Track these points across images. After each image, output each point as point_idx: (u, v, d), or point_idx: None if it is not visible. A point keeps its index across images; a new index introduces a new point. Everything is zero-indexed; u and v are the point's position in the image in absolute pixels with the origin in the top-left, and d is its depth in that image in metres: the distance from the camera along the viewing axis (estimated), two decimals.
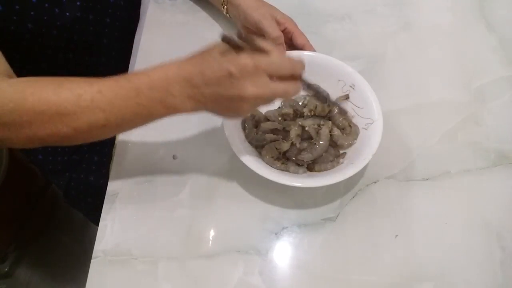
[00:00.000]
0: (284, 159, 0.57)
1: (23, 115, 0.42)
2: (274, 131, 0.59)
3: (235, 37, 0.44)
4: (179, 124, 0.63)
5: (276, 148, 0.56)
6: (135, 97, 0.43)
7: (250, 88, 0.43)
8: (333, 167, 0.56)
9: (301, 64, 0.47)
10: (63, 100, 0.42)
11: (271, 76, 0.44)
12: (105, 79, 0.44)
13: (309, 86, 0.50)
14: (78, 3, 0.58)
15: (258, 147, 0.58)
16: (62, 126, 0.43)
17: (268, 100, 0.47)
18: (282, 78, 0.45)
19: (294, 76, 0.47)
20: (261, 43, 0.45)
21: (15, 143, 0.45)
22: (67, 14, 0.57)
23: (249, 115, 0.59)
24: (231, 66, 0.42)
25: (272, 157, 0.56)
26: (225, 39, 0.44)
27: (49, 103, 0.42)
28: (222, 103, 0.45)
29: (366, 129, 0.57)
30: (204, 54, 0.44)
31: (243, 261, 0.53)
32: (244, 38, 0.44)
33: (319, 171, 0.56)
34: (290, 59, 0.46)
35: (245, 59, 0.42)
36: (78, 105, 0.42)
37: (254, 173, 0.51)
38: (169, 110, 0.45)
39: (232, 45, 0.44)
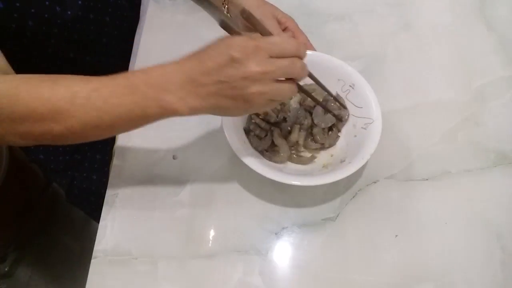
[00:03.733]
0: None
1: (15, 112, 0.41)
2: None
3: (233, 24, 0.42)
4: (179, 124, 0.63)
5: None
6: (130, 95, 0.41)
7: (255, 66, 0.40)
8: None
9: (304, 46, 0.45)
10: (57, 98, 0.41)
11: (274, 57, 0.41)
12: (102, 77, 0.43)
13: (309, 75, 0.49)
14: (79, 2, 0.59)
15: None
16: (55, 124, 0.42)
17: (277, 76, 0.42)
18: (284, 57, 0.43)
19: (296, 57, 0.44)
20: (263, 23, 0.43)
21: (8, 140, 0.44)
22: (68, 12, 0.57)
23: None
24: (231, 50, 0.40)
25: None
26: (222, 24, 0.42)
27: (42, 100, 0.41)
28: (226, 92, 0.41)
29: (365, 128, 0.57)
30: (204, 48, 0.43)
31: (243, 261, 0.53)
32: (247, 16, 0.42)
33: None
34: (293, 40, 0.44)
35: (245, 40, 0.40)
36: (73, 103, 0.41)
37: (254, 173, 0.51)
38: (165, 109, 0.42)
39: (229, 30, 0.42)
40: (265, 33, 0.42)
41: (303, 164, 0.59)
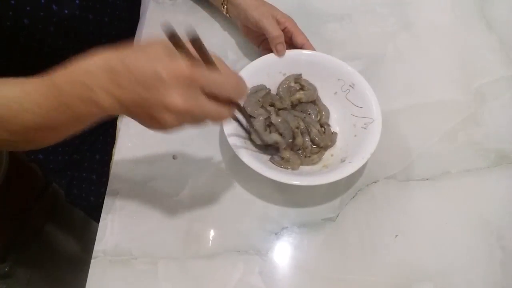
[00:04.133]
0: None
1: None
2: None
3: (179, 35, 0.38)
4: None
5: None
6: (58, 96, 0.38)
7: (177, 99, 0.36)
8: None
9: (244, 89, 0.41)
10: None
11: (206, 94, 0.38)
12: (35, 78, 0.40)
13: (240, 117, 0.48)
14: (77, 1, 0.58)
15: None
16: (1, 131, 0.40)
17: (197, 119, 0.40)
18: (216, 98, 0.39)
19: (231, 101, 0.41)
20: (211, 53, 0.39)
21: None
22: (65, 11, 0.57)
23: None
24: (162, 69, 0.36)
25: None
26: (169, 34, 0.37)
27: None
28: (143, 108, 0.38)
29: (365, 128, 0.57)
30: (140, 48, 0.38)
31: (243, 261, 0.53)
32: (193, 39, 0.38)
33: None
34: (236, 81, 0.40)
35: (181, 65, 0.36)
36: (9, 109, 0.39)
37: (254, 173, 0.51)
38: (91, 107, 0.38)
39: (175, 42, 0.38)
40: (209, 61, 0.39)
41: (314, 164, 0.59)
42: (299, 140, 0.59)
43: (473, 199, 0.58)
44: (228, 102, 0.40)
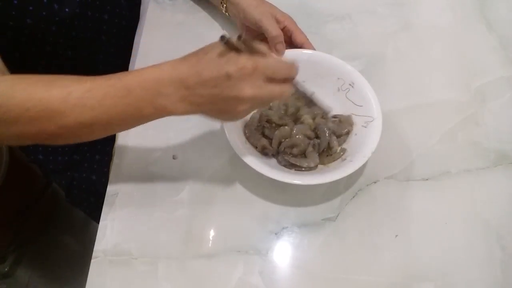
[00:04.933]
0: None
1: (10, 111, 0.41)
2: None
3: (233, 39, 0.43)
4: (179, 124, 0.63)
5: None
6: (125, 97, 0.42)
7: (248, 90, 0.42)
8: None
9: (295, 67, 0.47)
10: (51, 98, 0.41)
11: (267, 79, 0.44)
12: (96, 77, 0.43)
13: (297, 90, 0.50)
14: (77, 0, 0.59)
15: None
16: (50, 124, 0.42)
17: (265, 102, 0.47)
18: (276, 80, 0.45)
19: (287, 79, 0.47)
20: (259, 45, 0.44)
21: (3, 139, 0.45)
22: (66, 10, 0.57)
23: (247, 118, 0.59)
24: (229, 67, 0.41)
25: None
26: (224, 40, 0.43)
27: (37, 100, 0.41)
28: (218, 104, 0.44)
29: (365, 127, 0.57)
30: (200, 54, 0.43)
31: (243, 261, 0.53)
32: (243, 40, 0.44)
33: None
34: (286, 63, 0.46)
35: (244, 61, 0.42)
36: (67, 103, 0.41)
37: (254, 173, 0.51)
38: (159, 111, 0.43)
39: (230, 46, 0.43)
40: (259, 53, 0.44)
41: (334, 160, 0.58)
42: (324, 140, 0.58)
43: (473, 199, 0.58)
44: (284, 81, 0.46)
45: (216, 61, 0.42)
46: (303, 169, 0.56)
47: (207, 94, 0.42)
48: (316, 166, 0.57)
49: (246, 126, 0.59)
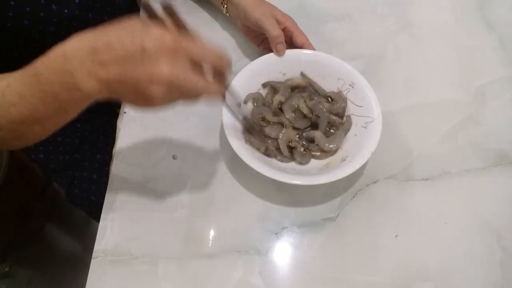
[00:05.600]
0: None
1: None
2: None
3: (156, 8, 0.37)
4: (179, 124, 0.63)
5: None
6: (37, 84, 0.37)
7: (164, 68, 0.35)
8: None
9: (227, 60, 0.41)
10: None
11: (192, 64, 0.37)
12: (18, 71, 0.39)
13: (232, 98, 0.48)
14: (76, 1, 0.58)
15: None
16: None
17: (185, 92, 0.38)
18: (204, 74, 0.39)
19: (219, 75, 0.41)
20: (188, 24, 0.38)
21: None
22: (65, 11, 0.57)
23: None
24: (145, 39, 0.35)
25: (287, 146, 0.58)
26: (146, 8, 0.37)
27: None
28: (128, 84, 0.36)
29: (365, 127, 0.57)
30: (117, 23, 0.37)
31: (243, 261, 0.53)
32: (170, 11, 0.37)
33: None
34: (217, 51, 0.40)
35: (164, 34, 0.36)
36: None
37: (254, 173, 0.51)
38: (71, 92, 0.37)
39: (152, 16, 0.37)
40: (186, 31, 0.38)
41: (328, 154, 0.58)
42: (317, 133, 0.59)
43: (473, 199, 0.58)
44: (215, 76, 0.40)
45: (132, 31, 0.35)
46: (326, 154, 0.58)
47: (116, 70, 0.36)
48: (336, 149, 0.58)
49: (244, 132, 0.59)
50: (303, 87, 0.64)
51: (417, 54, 0.73)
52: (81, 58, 0.36)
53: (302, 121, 0.60)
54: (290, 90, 0.63)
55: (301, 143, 0.58)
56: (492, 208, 0.57)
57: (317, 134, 0.58)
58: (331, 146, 0.57)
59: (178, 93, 0.38)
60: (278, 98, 0.61)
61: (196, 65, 0.38)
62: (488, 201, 0.58)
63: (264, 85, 0.63)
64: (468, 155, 0.62)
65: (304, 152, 0.58)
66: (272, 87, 0.63)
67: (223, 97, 0.49)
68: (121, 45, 0.35)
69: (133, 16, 0.37)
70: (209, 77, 0.40)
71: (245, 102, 0.61)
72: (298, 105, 0.61)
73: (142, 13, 0.36)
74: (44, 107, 0.39)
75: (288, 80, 0.64)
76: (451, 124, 0.64)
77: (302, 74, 0.64)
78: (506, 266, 0.53)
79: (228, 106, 0.53)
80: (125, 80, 0.36)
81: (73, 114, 0.41)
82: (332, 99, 0.62)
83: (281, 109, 0.61)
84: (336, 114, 0.61)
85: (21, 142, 0.44)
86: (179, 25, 0.38)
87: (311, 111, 0.60)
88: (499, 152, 0.62)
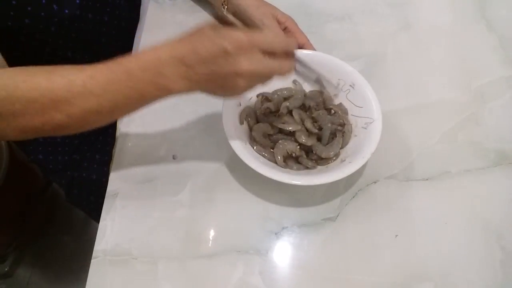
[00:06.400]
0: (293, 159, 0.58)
1: (15, 103, 0.41)
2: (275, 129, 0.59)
3: (226, 14, 0.43)
4: (179, 124, 0.63)
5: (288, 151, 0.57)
6: (126, 80, 0.42)
7: (245, 64, 0.41)
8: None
9: (293, 41, 0.46)
10: (55, 87, 0.41)
11: (265, 53, 0.43)
12: (96, 65, 0.43)
13: (301, 65, 0.51)
14: (77, 1, 0.59)
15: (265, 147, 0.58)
16: (56, 113, 0.42)
17: (264, 77, 0.45)
18: (276, 55, 0.44)
19: (288, 54, 0.46)
20: (253, 19, 0.44)
21: (9, 134, 0.44)
22: (66, 11, 0.57)
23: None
24: (225, 42, 0.41)
25: (284, 156, 0.57)
26: (216, 16, 0.42)
27: (41, 89, 0.41)
28: (216, 81, 0.43)
29: (365, 128, 0.57)
30: (196, 32, 0.43)
31: (243, 261, 0.53)
32: (236, 13, 0.43)
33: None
34: (283, 35, 0.46)
35: (239, 35, 0.41)
36: (70, 91, 0.41)
37: (254, 173, 0.51)
38: (162, 91, 0.43)
39: (223, 22, 0.42)
40: (254, 26, 0.44)
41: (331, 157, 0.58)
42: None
43: (473, 199, 0.58)
44: (285, 56, 0.45)
45: (211, 37, 0.41)
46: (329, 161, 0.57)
47: (205, 71, 0.42)
48: (334, 155, 0.58)
49: (253, 142, 0.58)
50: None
51: (417, 54, 0.73)
52: (173, 63, 0.41)
53: (309, 138, 0.59)
54: (283, 100, 0.61)
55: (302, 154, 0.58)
56: (492, 208, 0.57)
57: (315, 144, 0.58)
58: (331, 153, 0.57)
59: (258, 79, 0.45)
60: (285, 104, 0.60)
61: (269, 52, 0.43)
62: (488, 201, 0.58)
63: (258, 96, 0.62)
64: (468, 155, 0.62)
65: (308, 161, 0.57)
66: (266, 97, 0.62)
67: (295, 69, 0.53)
68: (205, 49, 0.41)
69: (205, 23, 0.43)
70: (281, 58, 0.45)
71: (241, 123, 0.59)
72: (303, 120, 0.60)
73: (211, 20, 0.43)
74: (125, 102, 0.43)
75: (278, 90, 0.63)
76: (451, 124, 0.64)
77: (294, 82, 0.64)
78: (506, 266, 0.53)
79: (301, 72, 0.56)
80: (214, 78, 0.42)
81: (145, 106, 0.45)
82: (334, 112, 0.61)
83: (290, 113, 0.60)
84: (339, 125, 0.60)
85: (82, 129, 0.47)
86: (248, 23, 0.44)
87: (317, 125, 0.59)
88: (499, 152, 0.62)
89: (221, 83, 0.43)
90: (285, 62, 0.45)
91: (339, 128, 0.59)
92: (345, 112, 0.61)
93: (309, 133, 0.59)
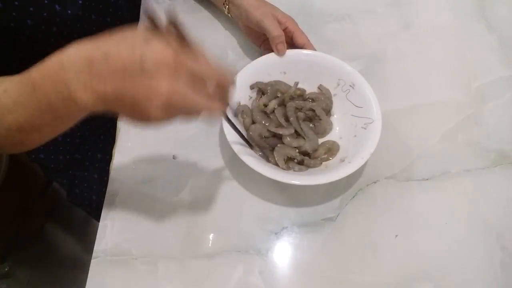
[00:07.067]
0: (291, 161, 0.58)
1: None
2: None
3: (161, 17, 0.35)
4: (179, 124, 0.63)
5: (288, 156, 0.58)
6: (33, 92, 0.36)
7: (163, 84, 0.33)
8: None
9: (232, 78, 0.39)
10: None
11: (195, 80, 0.35)
12: (16, 75, 0.38)
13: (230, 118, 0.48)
14: (80, 2, 0.58)
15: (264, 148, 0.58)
16: None
17: (185, 109, 0.36)
18: (206, 87, 0.37)
19: (222, 90, 0.39)
20: (194, 40, 0.36)
21: None
22: (68, 11, 0.57)
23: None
24: (146, 53, 0.33)
25: (284, 159, 0.57)
26: (149, 17, 0.35)
27: None
28: (127, 100, 0.34)
29: (365, 128, 0.57)
30: (117, 35, 0.35)
31: (243, 261, 0.53)
32: (175, 24, 0.35)
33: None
34: (219, 68, 0.38)
35: (165, 49, 0.33)
36: None
37: (254, 173, 0.51)
38: (68, 102, 0.35)
39: (154, 27, 0.35)
40: (192, 47, 0.36)
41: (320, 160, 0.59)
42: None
43: (473, 199, 0.58)
44: (217, 95, 0.38)
45: (132, 43, 0.33)
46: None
47: (113, 83, 0.33)
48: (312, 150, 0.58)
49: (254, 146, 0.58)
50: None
51: (417, 54, 0.73)
52: (77, 69, 0.34)
53: (296, 139, 0.59)
54: (276, 94, 0.62)
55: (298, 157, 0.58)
56: (492, 208, 0.57)
57: (302, 144, 0.58)
58: (314, 145, 0.58)
59: (177, 110, 0.36)
60: (271, 105, 0.61)
61: (198, 79, 0.36)
62: (488, 201, 0.58)
63: (252, 87, 0.62)
64: (468, 155, 0.62)
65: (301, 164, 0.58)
66: (260, 89, 0.63)
67: (224, 114, 0.48)
68: (119, 57, 0.33)
69: (136, 26, 0.36)
70: (211, 92, 0.38)
71: (236, 116, 0.59)
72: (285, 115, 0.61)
73: (144, 22, 0.33)
74: (40, 116, 0.37)
75: (271, 81, 0.63)
76: (451, 124, 0.64)
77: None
78: (506, 266, 0.53)
79: (229, 122, 0.53)
80: (122, 95, 0.34)
81: (69, 124, 0.39)
82: (313, 100, 0.62)
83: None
84: (324, 110, 0.61)
85: (20, 148, 0.43)
86: (183, 39, 0.36)
87: (287, 118, 0.60)
88: (499, 152, 0.62)
89: (130, 104, 0.34)
90: (215, 103, 0.37)
91: (307, 113, 0.60)
92: (326, 96, 0.62)
93: (296, 134, 0.59)
